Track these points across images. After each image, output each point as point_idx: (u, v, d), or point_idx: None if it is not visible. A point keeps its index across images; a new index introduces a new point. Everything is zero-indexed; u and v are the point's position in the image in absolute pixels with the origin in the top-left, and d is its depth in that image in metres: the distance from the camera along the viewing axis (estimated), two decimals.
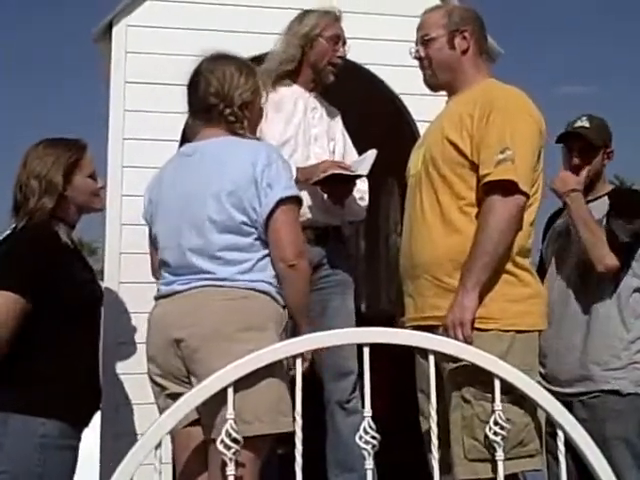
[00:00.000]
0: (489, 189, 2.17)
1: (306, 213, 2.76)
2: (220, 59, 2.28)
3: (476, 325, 2.14)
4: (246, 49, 2.95)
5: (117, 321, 3.20)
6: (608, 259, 2.61)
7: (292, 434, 1.70)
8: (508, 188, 2.15)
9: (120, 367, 3.18)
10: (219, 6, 3.51)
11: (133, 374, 3.08)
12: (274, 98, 2.84)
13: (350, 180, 2.88)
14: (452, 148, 2.26)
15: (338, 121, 3.12)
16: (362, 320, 3.51)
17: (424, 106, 3.21)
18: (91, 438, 3.08)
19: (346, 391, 2.85)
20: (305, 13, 3.01)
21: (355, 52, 3.46)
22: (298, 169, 2.78)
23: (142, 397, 2.80)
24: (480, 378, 1.93)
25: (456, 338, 2.09)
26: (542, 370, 2.70)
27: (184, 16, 3.46)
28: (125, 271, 3.22)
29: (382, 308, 5.53)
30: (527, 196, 2.19)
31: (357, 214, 3.10)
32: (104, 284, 3.24)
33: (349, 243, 5.96)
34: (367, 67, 3.59)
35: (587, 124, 2.82)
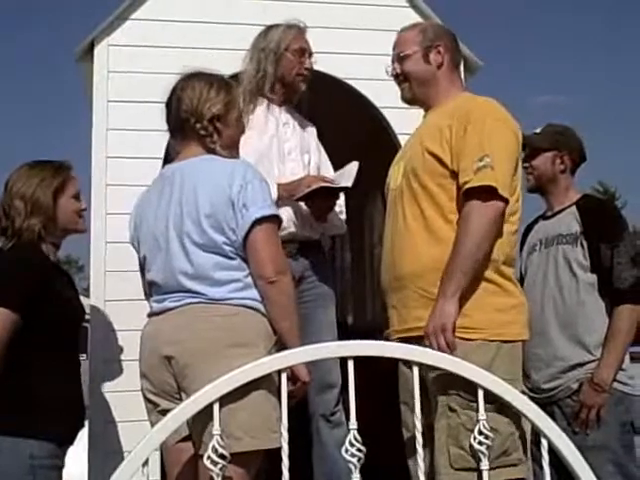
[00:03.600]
0: (469, 195, 2.20)
1: (288, 227, 2.78)
2: (193, 76, 2.31)
3: (462, 335, 2.16)
4: (227, 67, 2.99)
5: (104, 339, 3.21)
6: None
7: (278, 449, 1.70)
8: (488, 193, 2.18)
9: (107, 385, 3.18)
10: (200, 24, 3.53)
11: (120, 392, 3.09)
12: (247, 116, 2.86)
13: (335, 193, 2.91)
14: (433, 159, 2.29)
15: (312, 133, 3.14)
16: (349, 332, 3.52)
17: (405, 119, 3.24)
18: (82, 457, 3.09)
19: (330, 404, 2.86)
20: (269, 28, 3.03)
21: (335, 66, 3.53)
22: (279, 185, 2.80)
23: (129, 415, 2.82)
24: (465, 387, 1.95)
25: (438, 345, 2.11)
26: (526, 382, 2.73)
27: (165, 35, 3.49)
28: (110, 289, 3.23)
29: (368, 320, 5.55)
30: (506, 202, 2.22)
31: (339, 228, 3.13)
32: (90, 302, 3.26)
33: (334, 255, 6.02)
34: (348, 81, 3.62)
35: (538, 130, 2.93)
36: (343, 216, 3.12)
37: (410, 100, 2.51)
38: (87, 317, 3.22)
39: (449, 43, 2.47)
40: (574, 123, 3.05)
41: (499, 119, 2.29)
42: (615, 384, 2.66)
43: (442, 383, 2.12)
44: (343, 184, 2.89)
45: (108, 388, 3.18)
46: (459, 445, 2.11)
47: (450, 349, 2.10)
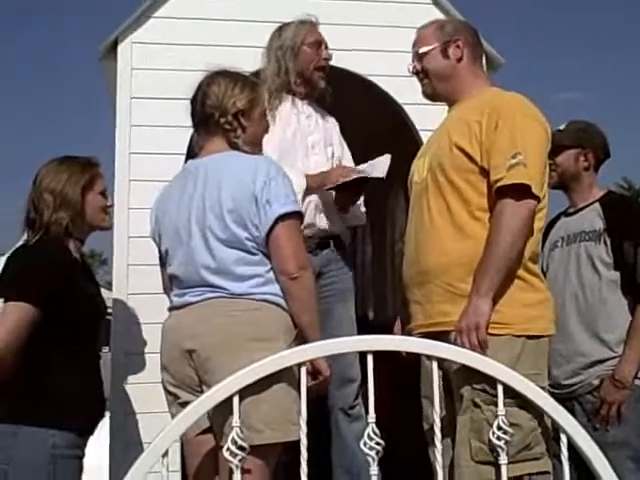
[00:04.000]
0: (502, 193, 2.19)
1: (310, 222, 2.80)
2: (219, 74, 2.34)
3: (490, 330, 2.15)
4: (249, 64, 3.01)
5: (126, 332, 3.25)
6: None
7: (297, 441, 1.71)
8: (521, 192, 2.17)
9: (129, 378, 3.22)
10: (224, 21, 3.56)
11: (142, 384, 3.13)
12: (272, 112, 2.88)
13: (365, 185, 2.93)
14: (461, 154, 2.28)
15: (335, 126, 3.16)
16: (369, 327, 3.53)
17: (426, 115, 3.25)
18: (101, 448, 3.13)
19: (349, 397, 2.88)
20: (282, 27, 3.07)
21: (357, 63, 3.54)
22: (308, 176, 2.83)
23: (151, 407, 2.85)
24: (489, 382, 1.95)
25: (470, 342, 2.11)
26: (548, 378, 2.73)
27: (189, 32, 3.52)
28: (133, 283, 3.27)
29: (389, 315, 5.55)
30: (539, 200, 2.21)
31: (359, 219, 3.16)
32: (113, 295, 3.30)
33: (355, 250, 6.03)
34: (369, 78, 3.63)
35: (562, 127, 2.92)
36: (363, 208, 3.15)
37: (431, 96, 2.51)
38: (109, 310, 3.27)
39: (469, 37, 2.46)
40: (597, 119, 3.03)
41: (529, 115, 2.28)
42: (636, 381, 2.65)
43: (466, 378, 2.12)
44: (375, 175, 2.91)
45: (129, 380, 3.22)
46: (481, 439, 2.11)
47: (482, 348, 2.10)
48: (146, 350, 3.16)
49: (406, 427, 2.76)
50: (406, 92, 3.41)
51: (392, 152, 3.25)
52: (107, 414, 3.11)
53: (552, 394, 2.65)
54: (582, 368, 2.71)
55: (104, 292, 2.72)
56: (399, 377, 2.85)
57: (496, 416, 1.80)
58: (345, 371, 2.83)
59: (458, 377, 2.17)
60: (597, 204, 2.82)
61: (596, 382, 2.67)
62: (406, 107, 3.59)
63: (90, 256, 27.71)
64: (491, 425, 2.00)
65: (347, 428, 2.87)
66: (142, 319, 3.22)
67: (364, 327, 2.99)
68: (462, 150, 2.28)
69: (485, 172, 2.24)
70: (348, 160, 3.15)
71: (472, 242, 2.22)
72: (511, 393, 1.78)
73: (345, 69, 3.46)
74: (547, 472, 2.23)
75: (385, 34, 3.60)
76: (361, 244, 6.28)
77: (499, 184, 2.19)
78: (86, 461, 3.59)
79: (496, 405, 1.98)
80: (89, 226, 2.56)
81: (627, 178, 31.16)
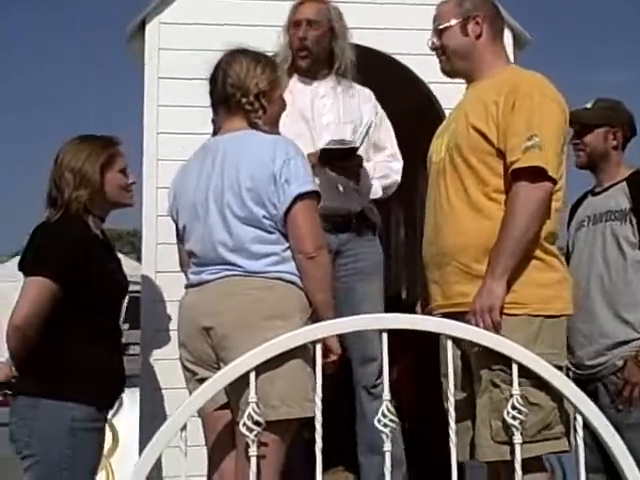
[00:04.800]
0: (517, 176, 2.18)
1: (323, 202, 2.82)
2: (238, 53, 2.36)
3: (506, 310, 2.16)
4: (275, 44, 3.02)
5: (154, 309, 3.31)
6: None
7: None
8: (536, 174, 2.16)
9: (157, 353, 3.29)
10: (250, 1, 3.56)
11: (170, 359, 3.17)
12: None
13: (345, 153, 2.93)
14: (478, 135, 2.27)
15: (365, 101, 3.12)
16: (402, 306, 3.55)
17: (451, 93, 3.21)
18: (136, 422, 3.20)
19: (372, 376, 2.90)
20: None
21: (382, 42, 3.52)
22: (309, 154, 2.82)
23: (176, 383, 2.90)
24: (508, 363, 1.96)
25: (484, 324, 2.12)
26: (570, 358, 2.73)
27: (215, 12, 3.53)
28: (161, 261, 3.31)
29: (419, 294, 5.55)
30: (555, 182, 2.20)
31: (374, 191, 3.11)
32: (142, 273, 3.36)
33: (390, 230, 6.03)
34: (394, 56, 3.61)
35: (589, 106, 2.88)
36: (387, 180, 3.12)
37: (449, 72, 2.50)
38: (138, 288, 3.33)
39: (489, 13, 2.42)
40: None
41: (546, 95, 2.26)
42: None
43: (485, 358, 2.13)
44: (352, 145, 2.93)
45: (158, 355, 3.29)
46: (501, 419, 2.11)
47: (496, 329, 2.10)
48: (174, 327, 3.19)
49: (430, 408, 2.79)
50: (432, 70, 3.38)
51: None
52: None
53: (576, 375, 2.69)
54: (606, 349, 2.70)
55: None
56: (424, 360, 2.86)
57: (510, 395, 1.81)
58: (367, 350, 2.85)
59: (477, 358, 2.19)
60: (624, 183, 2.79)
61: (620, 363, 2.66)
62: (432, 85, 3.57)
63: (133, 235, 28.00)
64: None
65: (369, 406, 2.90)
66: (171, 296, 3.25)
67: (396, 306, 3.02)
68: (479, 131, 2.27)
69: (502, 154, 2.23)
70: (385, 135, 3.13)
71: (489, 223, 2.22)
72: (529, 373, 1.79)
73: (371, 47, 3.45)
74: (567, 451, 2.24)
75: (411, 12, 3.56)
76: (395, 225, 6.29)
77: (514, 166, 2.18)
78: (122, 435, 3.70)
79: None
80: (110, 203, 2.61)
81: None
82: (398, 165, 3.15)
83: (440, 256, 2.34)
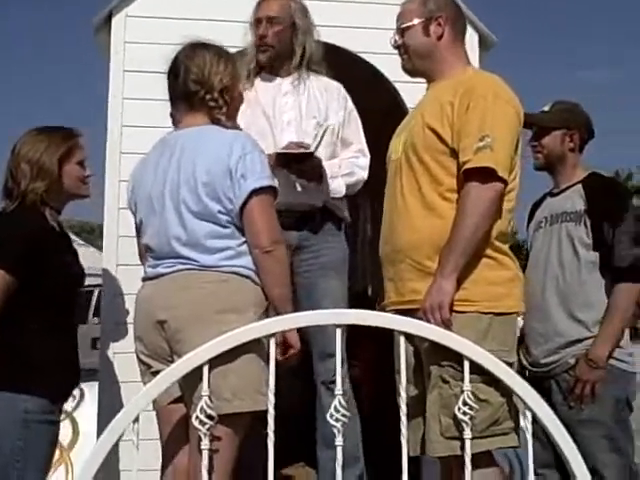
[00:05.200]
0: (469, 176, 2.22)
1: (281, 197, 2.84)
2: (200, 47, 2.35)
3: (456, 308, 2.20)
4: (243, 39, 3.03)
5: (115, 302, 3.31)
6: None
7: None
8: (487, 175, 2.20)
9: (117, 346, 3.29)
10: None
11: (129, 352, 3.14)
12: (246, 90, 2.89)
13: (301, 158, 2.94)
14: (433, 135, 2.30)
15: (333, 96, 3.12)
16: (368, 302, 3.57)
17: (417, 93, 3.25)
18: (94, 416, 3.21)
19: (331, 372, 2.89)
20: None
21: (349, 40, 3.53)
22: (269, 155, 2.85)
23: (134, 376, 2.89)
24: (458, 359, 2.00)
25: (434, 321, 2.15)
26: (526, 356, 2.78)
27: (182, 6, 3.53)
28: (122, 254, 3.31)
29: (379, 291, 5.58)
30: (505, 183, 2.24)
31: (337, 190, 3.11)
32: (102, 266, 3.35)
33: (357, 227, 6.04)
34: (362, 55, 3.63)
35: (547, 108, 2.92)
36: (351, 179, 3.14)
37: (410, 71, 2.52)
38: (100, 281, 3.32)
39: (451, 14, 2.45)
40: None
41: (500, 96, 2.29)
42: (612, 361, 2.68)
43: (434, 355, 2.17)
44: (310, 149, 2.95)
45: (117, 349, 3.28)
46: (451, 415, 2.15)
47: (446, 326, 2.13)
48: (132, 320, 3.21)
49: (387, 402, 2.82)
50: (398, 69, 3.41)
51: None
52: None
53: (531, 373, 2.73)
54: (559, 347, 2.74)
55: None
56: (383, 354, 2.88)
57: (461, 391, 1.84)
58: (327, 345, 2.86)
59: (427, 354, 2.22)
60: (580, 185, 2.84)
61: (572, 361, 2.71)
62: (397, 84, 3.60)
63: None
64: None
65: (328, 401, 2.90)
66: (131, 290, 3.25)
67: (362, 302, 3.03)
68: (434, 131, 2.30)
69: (455, 153, 2.27)
70: (355, 124, 3.14)
71: (442, 221, 2.26)
72: (479, 369, 1.82)
73: (337, 45, 3.46)
74: (516, 447, 2.28)
75: (377, 10, 3.57)
76: (363, 222, 6.31)
77: (466, 166, 2.22)
78: (82, 428, 3.68)
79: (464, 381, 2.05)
80: (67, 195, 2.60)
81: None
82: (365, 161, 3.16)
83: (394, 253, 2.37)
